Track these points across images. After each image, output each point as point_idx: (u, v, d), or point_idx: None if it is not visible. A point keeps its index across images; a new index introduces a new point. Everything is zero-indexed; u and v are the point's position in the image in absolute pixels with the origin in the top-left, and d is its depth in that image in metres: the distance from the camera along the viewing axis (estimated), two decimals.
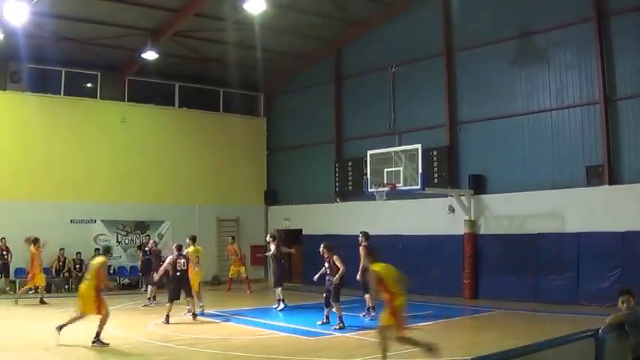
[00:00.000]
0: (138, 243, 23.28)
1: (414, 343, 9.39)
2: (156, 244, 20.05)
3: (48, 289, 20.92)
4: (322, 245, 14.38)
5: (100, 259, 12.09)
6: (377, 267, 9.62)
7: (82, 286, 11.88)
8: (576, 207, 17.31)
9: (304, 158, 25.40)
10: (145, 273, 21.78)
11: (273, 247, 17.57)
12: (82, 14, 19.60)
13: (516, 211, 18.61)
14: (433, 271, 19.76)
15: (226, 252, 22.36)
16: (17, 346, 11.47)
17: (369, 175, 18.82)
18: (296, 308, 17.06)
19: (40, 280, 18.66)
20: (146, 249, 22.31)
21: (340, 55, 24.33)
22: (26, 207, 20.91)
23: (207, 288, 20.08)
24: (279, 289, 16.98)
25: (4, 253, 20.46)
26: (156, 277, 16.06)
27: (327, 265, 14.25)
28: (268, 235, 18.61)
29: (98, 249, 13.13)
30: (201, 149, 25.27)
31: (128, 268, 23.27)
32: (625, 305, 7.42)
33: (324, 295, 14.28)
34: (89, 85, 23.55)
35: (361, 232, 15.46)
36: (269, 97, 27.32)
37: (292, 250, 20.33)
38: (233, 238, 22.48)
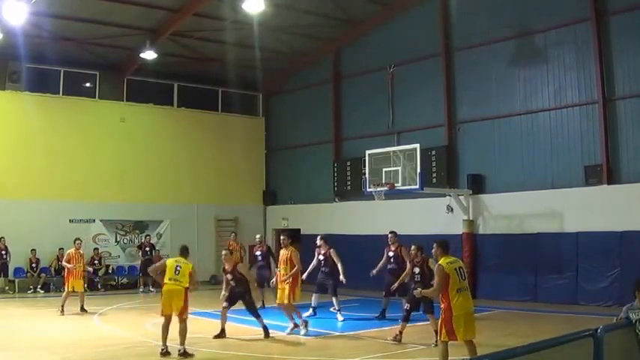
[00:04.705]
0: (137, 243, 23.32)
1: None
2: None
3: (47, 288, 20.95)
4: (414, 247, 12.37)
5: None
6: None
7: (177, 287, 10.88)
8: (575, 207, 17.33)
9: (303, 158, 25.40)
10: (144, 273, 21.81)
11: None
12: (81, 14, 19.61)
13: (515, 211, 18.63)
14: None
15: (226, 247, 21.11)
16: (17, 346, 11.46)
17: (367, 175, 18.82)
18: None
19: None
20: (146, 249, 22.35)
21: (339, 55, 24.34)
22: (25, 206, 20.93)
23: (207, 288, 20.03)
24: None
25: (3, 252, 20.50)
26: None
27: (417, 271, 12.24)
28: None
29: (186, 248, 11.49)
30: (200, 149, 25.27)
31: (126, 268, 23.25)
32: (638, 299, 7.50)
33: (408, 306, 12.07)
34: (88, 84, 23.54)
35: (391, 232, 14.97)
36: (268, 96, 27.32)
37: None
38: (235, 234, 21.19)
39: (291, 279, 12.71)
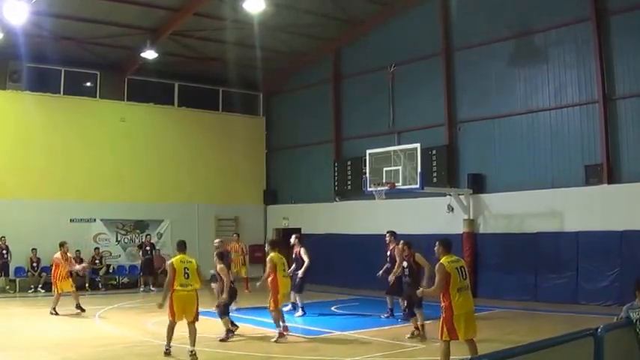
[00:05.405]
0: (137, 242, 23.31)
1: None
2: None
3: (48, 288, 20.89)
4: (402, 242, 12.79)
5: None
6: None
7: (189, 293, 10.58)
8: (575, 206, 17.32)
9: (303, 157, 25.42)
10: (145, 272, 21.83)
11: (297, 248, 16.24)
12: (82, 14, 19.63)
13: (515, 211, 18.62)
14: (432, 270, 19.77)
15: (229, 250, 21.23)
16: (17, 346, 11.47)
17: (368, 175, 18.85)
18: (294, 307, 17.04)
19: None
20: (147, 248, 22.34)
21: (339, 55, 24.35)
22: (26, 206, 20.95)
23: (207, 287, 19.96)
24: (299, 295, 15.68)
25: (4, 252, 20.51)
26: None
27: (405, 264, 12.52)
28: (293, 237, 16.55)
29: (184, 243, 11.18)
30: (201, 148, 25.30)
31: (127, 267, 23.26)
32: (638, 298, 7.50)
33: (406, 304, 12.51)
34: (89, 84, 23.56)
35: (388, 232, 14.94)
36: (268, 96, 27.33)
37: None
38: (238, 235, 20.71)
39: (271, 286, 12.47)
